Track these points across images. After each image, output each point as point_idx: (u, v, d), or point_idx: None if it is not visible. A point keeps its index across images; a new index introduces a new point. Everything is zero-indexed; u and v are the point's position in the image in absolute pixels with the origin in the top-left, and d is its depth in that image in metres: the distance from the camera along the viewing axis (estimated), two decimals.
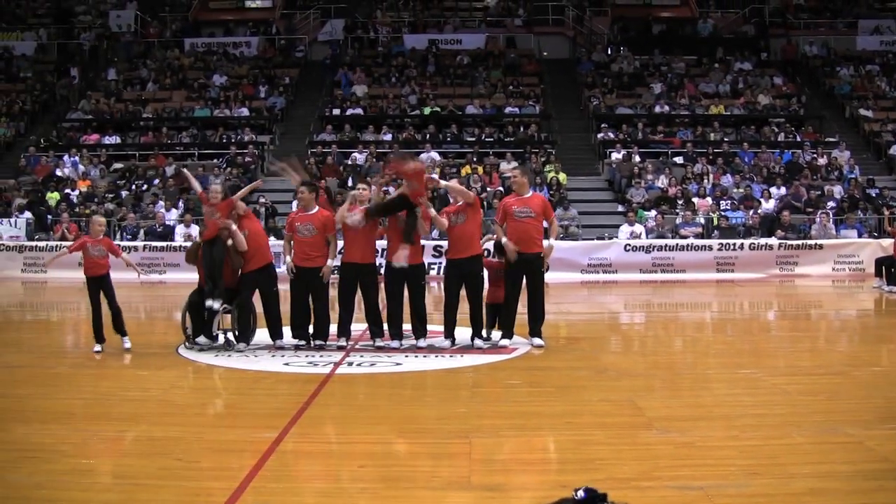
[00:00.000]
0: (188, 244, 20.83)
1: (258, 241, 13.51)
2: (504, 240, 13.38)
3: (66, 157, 32.79)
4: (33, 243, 27.17)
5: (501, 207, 13.78)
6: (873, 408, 9.51)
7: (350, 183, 28.76)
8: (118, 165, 33.13)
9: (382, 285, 13.76)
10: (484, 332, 13.44)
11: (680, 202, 29.21)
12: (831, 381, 11.15)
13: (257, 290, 13.43)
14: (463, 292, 13.33)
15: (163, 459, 7.63)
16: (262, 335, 13.55)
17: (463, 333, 13.43)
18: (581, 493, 2.33)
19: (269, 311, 13.43)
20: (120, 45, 41.46)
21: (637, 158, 32.02)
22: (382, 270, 13.65)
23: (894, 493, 6.78)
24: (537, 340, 13.37)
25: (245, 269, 13.30)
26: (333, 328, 13.35)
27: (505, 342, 13.35)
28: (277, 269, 13.75)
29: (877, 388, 10.68)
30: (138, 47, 41.42)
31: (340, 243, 13.48)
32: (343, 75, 38.00)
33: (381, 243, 14.06)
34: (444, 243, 13.49)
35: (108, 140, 34.60)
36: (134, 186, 31.27)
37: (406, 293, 13.35)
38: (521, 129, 34.63)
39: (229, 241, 13.23)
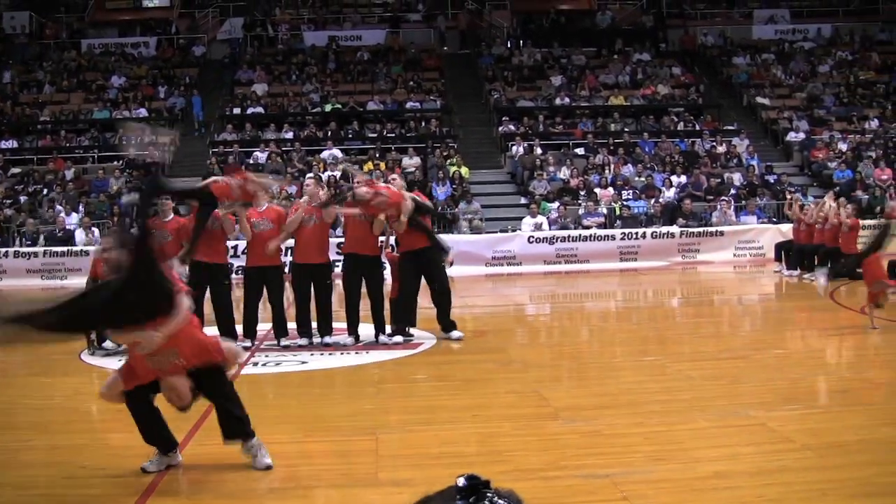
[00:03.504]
0: (89, 248, 20.52)
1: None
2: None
3: None
4: None
5: None
6: (775, 390, 9.69)
7: None
8: (16, 170, 32.45)
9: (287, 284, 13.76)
10: (388, 328, 13.42)
11: (582, 193, 29.39)
12: (735, 364, 11.34)
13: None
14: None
15: (68, 467, 7.54)
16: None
17: (367, 330, 13.43)
18: (462, 481, 2.32)
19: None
20: (14, 47, 40.67)
21: (539, 151, 32.13)
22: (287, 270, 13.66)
23: (797, 472, 6.91)
24: (455, 333, 13.46)
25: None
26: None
27: (398, 339, 13.39)
28: None
29: (778, 370, 10.90)
30: (34, 49, 40.64)
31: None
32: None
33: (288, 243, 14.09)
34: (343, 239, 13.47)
35: (4, 144, 33.97)
36: (33, 191, 30.74)
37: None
38: (423, 124, 34.52)
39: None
